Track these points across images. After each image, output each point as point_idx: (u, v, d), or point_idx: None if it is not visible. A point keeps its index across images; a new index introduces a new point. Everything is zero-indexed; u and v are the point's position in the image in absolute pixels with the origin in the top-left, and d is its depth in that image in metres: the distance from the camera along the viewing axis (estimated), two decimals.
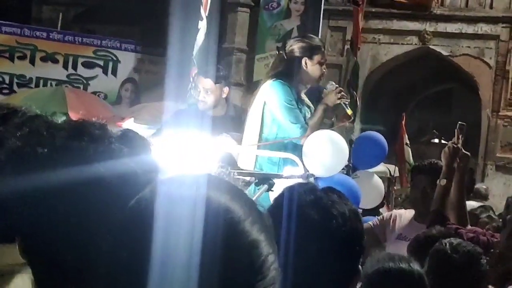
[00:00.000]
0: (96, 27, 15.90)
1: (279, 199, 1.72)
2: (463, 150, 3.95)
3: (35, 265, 1.30)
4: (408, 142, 7.86)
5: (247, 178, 3.72)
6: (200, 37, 5.27)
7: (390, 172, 8.02)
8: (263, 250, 1.00)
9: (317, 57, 4.36)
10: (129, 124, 10.08)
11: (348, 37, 13.93)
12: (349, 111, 4.30)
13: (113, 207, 1.26)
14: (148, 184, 1.34)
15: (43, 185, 1.24)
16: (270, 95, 4.28)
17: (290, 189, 1.74)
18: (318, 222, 1.65)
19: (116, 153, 1.34)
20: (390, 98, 15.08)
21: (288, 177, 3.89)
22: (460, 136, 3.98)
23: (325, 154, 4.06)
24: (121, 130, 1.44)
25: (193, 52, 5.44)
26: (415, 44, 13.70)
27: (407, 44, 13.75)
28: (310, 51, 4.40)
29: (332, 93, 4.35)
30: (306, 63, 4.34)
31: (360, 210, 5.42)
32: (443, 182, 3.91)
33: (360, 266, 1.73)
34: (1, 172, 1.29)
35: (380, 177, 6.99)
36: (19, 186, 1.28)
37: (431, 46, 13.58)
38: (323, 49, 4.52)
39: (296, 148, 4.17)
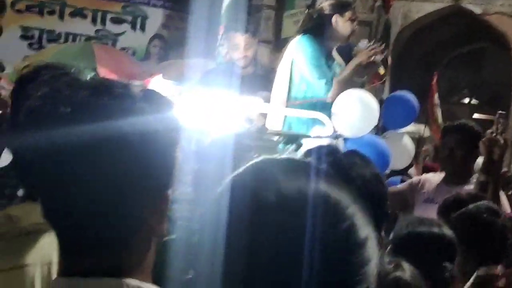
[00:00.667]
0: None
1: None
2: (501, 141, 3.84)
3: (57, 225, 1.28)
4: (438, 102, 7.74)
5: (275, 138, 3.68)
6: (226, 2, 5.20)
7: (420, 132, 7.92)
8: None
9: (348, 14, 4.28)
10: (157, 80, 10.09)
11: None
12: (382, 70, 4.22)
13: (135, 166, 1.24)
14: (171, 143, 1.31)
15: (64, 143, 1.22)
16: (298, 51, 4.22)
17: (310, 151, 1.71)
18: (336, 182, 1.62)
19: (138, 112, 1.31)
20: (421, 57, 14.88)
21: (316, 137, 3.85)
22: (499, 126, 3.86)
23: (354, 115, 4.01)
24: (144, 89, 1.41)
25: (221, 9, 5.36)
26: (447, 2, 13.43)
27: (439, 2, 13.48)
28: (340, 8, 4.32)
29: (365, 51, 4.27)
30: (336, 20, 4.26)
31: (388, 171, 5.38)
32: (482, 177, 3.82)
33: (383, 232, 1.70)
34: (22, 131, 1.27)
35: (410, 138, 6.92)
36: (40, 145, 1.26)
37: (463, 4, 13.31)
38: (353, 6, 4.43)
39: (325, 108, 4.12)
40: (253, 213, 0.91)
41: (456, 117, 15.32)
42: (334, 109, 4.03)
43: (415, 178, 4.92)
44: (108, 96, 1.30)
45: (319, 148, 1.76)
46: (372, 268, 0.95)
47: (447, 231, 2.37)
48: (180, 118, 1.41)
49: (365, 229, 0.97)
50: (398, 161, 4.99)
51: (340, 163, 1.65)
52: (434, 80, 8.09)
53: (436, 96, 7.77)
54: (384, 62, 5.43)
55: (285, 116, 4.18)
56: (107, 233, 1.24)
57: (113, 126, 1.26)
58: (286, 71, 4.26)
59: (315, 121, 4.07)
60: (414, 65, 14.46)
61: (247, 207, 0.92)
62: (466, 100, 15.42)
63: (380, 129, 5.03)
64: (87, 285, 1.22)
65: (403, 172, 6.05)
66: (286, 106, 4.15)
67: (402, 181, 5.21)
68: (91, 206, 1.23)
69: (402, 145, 4.97)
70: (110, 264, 1.23)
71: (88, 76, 1.37)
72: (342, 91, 4.16)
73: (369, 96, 4.13)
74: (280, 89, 4.30)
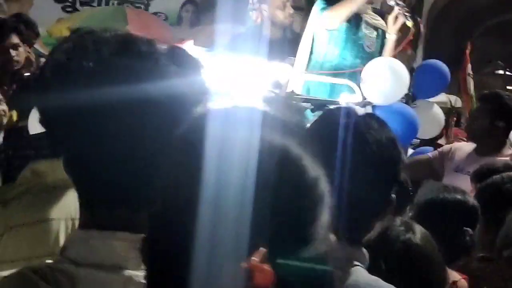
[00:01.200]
0: None
1: (318, 120, 1.71)
2: None
3: (78, 179, 1.31)
4: (471, 72, 7.65)
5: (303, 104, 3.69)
6: None
7: (451, 102, 7.84)
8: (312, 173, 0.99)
9: None
10: (188, 46, 10.11)
11: None
12: (410, 23, 4.14)
13: (160, 126, 1.25)
14: (197, 104, 1.31)
15: (88, 101, 1.24)
16: (314, 11, 4.21)
17: (328, 112, 1.72)
18: (351, 147, 1.63)
19: (163, 71, 1.31)
20: (455, 26, 14.67)
21: (344, 103, 3.85)
22: None
23: (384, 82, 3.98)
24: (170, 46, 1.41)
25: None
26: None
27: None
28: None
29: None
30: None
31: (418, 141, 5.35)
32: None
33: (394, 196, 1.70)
34: (47, 86, 1.29)
35: (441, 107, 6.86)
36: (64, 100, 1.28)
37: None
38: None
39: (353, 75, 4.10)
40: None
41: (489, 88, 15.13)
42: (363, 76, 4.01)
43: (446, 147, 4.89)
44: (132, 53, 1.31)
45: (338, 109, 1.77)
46: (324, 207, 0.98)
47: (469, 198, 2.36)
48: (207, 79, 1.42)
49: (314, 171, 0.98)
50: (427, 130, 4.96)
51: (357, 126, 1.66)
52: (468, 50, 7.96)
53: (469, 66, 7.66)
54: (416, 30, 5.38)
55: (304, 81, 4.17)
56: (126, 190, 1.26)
57: (138, 85, 1.28)
58: (309, 35, 4.24)
59: (335, 87, 4.06)
60: (448, 34, 14.28)
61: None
62: (501, 72, 15.17)
63: (410, 98, 5.00)
64: (101, 236, 1.25)
65: (434, 142, 6.02)
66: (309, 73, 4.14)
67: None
68: (113, 163, 1.25)
69: (432, 114, 4.94)
70: (126, 219, 1.26)
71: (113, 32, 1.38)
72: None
73: (399, 64, 4.10)
74: (302, 54, 4.29)
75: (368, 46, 4.16)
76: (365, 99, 3.94)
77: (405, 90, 4.21)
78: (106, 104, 1.25)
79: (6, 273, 1.30)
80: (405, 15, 4.12)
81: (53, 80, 1.30)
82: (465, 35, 15.31)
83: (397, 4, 4.07)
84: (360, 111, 3.91)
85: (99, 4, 13.31)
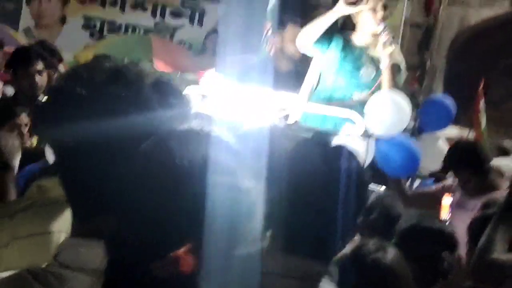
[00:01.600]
0: None
1: (295, 149, 1.88)
2: None
3: (70, 197, 1.49)
4: (483, 108, 7.75)
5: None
6: None
7: (462, 136, 7.94)
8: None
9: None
10: (210, 74, 10.33)
11: None
12: (388, 58, 4.18)
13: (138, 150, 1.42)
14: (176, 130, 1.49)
15: (77, 124, 1.42)
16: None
17: (303, 142, 1.88)
18: (322, 174, 1.79)
19: (146, 100, 1.49)
20: (477, 61, 14.76)
21: (346, 135, 4.00)
22: None
23: (386, 114, 4.12)
24: (155, 76, 1.59)
25: (272, 5, 5.53)
26: (506, 8, 13.34)
27: (497, 7, 13.40)
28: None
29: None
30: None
31: (426, 173, 5.47)
32: None
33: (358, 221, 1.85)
34: (44, 109, 1.48)
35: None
36: (56, 122, 1.46)
37: None
38: None
39: (347, 105, 4.22)
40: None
41: (509, 125, 15.17)
42: (367, 108, 4.16)
43: (449, 181, 5.00)
44: (119, 83, 1.48)
45: (309, 139, 1.92)
46: (256, 210, 1.17)
47: (446, 225, 2.49)
48: (188, 108, 1.59)
49: (247, 182, 1.18)
50: (432, 163, 5.09)
51: (327, 155, 1.82)
52: (481, 86, 8.09)
53: (482, 101, 7.78)
54: (423, 64, 5.52)
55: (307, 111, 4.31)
56: (108, 205, 1.44)
57: (122, 111, 1.45)
58: (314, 69, 4.40)
59: (330, 117, 4.20)
60: (469, 69, 14.36)
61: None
62: None
63: (416, 130, 5.13)
64: (87, 244, 1.43)
65: (441, 175, 6.12)
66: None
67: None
68: (95, 182, 1.43)
69: (436, 148, 5.07)
70: (109, 229, 1.43)
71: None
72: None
73: (401, 98, 4.25)
74: (306, 86, 4.45)
75: (365, 76, 4.27)
76: (367, 130, 4.08)
77: (406, 123, 4.35)
78: (93, 130, 1.43)
79: (6, 274, 1.50)
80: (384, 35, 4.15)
81: (48, 106, 1.49)
82: (487, 70, 15.39)
83: (383, 31, 4.16)
84: (372, 143, 4.08)
85: (125, 32, 13.65)
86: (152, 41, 11.17)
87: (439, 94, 5.38)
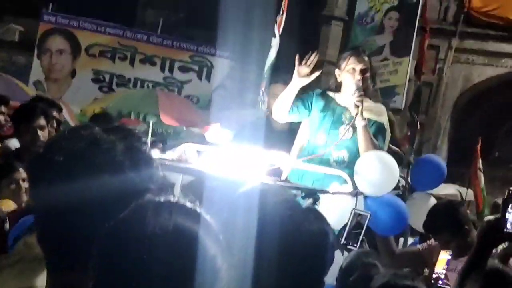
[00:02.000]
0: (195, 32, 16.43)
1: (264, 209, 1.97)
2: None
3: (45, 253, 1.61)
4: (481, 167, 7.86)
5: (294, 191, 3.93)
6: (272, 53, 5.51)
7: (461, 195, 8.01)
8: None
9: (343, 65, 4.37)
10: (215, 129, 10.48)
11: (441, 56, 13.91)
12: (360, 118, 4.23)
13: (108, 212, 1.54)
14: (145, 193, 1.61)
15: (54, 188, 1.54)
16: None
17: (267, 199, 1.97)
18: (286, 235, 1.89)
19: (119, 165, 1.61)
20: (481, 121, 14.86)
21: (335, 193, 4.08)
22: None
23: (375, 174, 4.20)
24: (128, 144, 1.71)
25: (268, 64, 5.68)
26: (510, 67, 13.50)
27: (502, 66, 13.56)
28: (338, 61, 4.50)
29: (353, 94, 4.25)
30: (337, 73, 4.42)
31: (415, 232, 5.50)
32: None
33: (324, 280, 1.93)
34: (31, 172, 1.61)
35: (452, 200, 7.03)
36: (36, 187, 1.59)
37: None
38: (356, 54, 4.39)
39: (323, 161, 4.30)
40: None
41: None
42: (356, 167, 4.24)
43: (433, 240, 4.99)
44: (96, 150, 1.61)
45: (276, 196, 2.02)
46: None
47: (419, 283, 2.55)
48: (157, 173, 1.71)
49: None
50: (422, 222, 5.14)
51: (294, 218, 1.92)
52: (478, 146, 8.21)
53: (479, 161, 7.89)
54: (414, 126, 5.63)
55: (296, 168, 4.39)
56: (78, 262, 1.55)
57: (95, 176, 1.57)
58: (305, 127, 4.50)
59: (313, 174, 4.27)
60: (474, 128, 14.45)
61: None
62: None
63: (407, 190, 5.21)
64: None
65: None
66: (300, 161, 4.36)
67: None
68: (64, 242, 1.55)
69: (428, 207, 5.12)
70: (80, 284, 1.54)
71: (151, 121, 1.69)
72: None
73: (389, 157, 4.34)
74: (295, 144, 4.55)
75: (343, 136, 4.35)
76: (357, 189, 4.16)
77: (395, 182, 4.43)
78: (68, 194, 1.55)
79: None
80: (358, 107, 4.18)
81: (31, 170, 1.62)
82: (492, 129, 15.47)
83: (356, 92, 4.24)
84: (360, 202, 4.16)
85: (134, 86, 13.93)
86: (158, 95, 11.38)
87: (430, 155, 5.47)
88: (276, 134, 5.08)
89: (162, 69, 14.22)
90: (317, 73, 4.26)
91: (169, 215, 1.32)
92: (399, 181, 4.97)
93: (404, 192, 5.13)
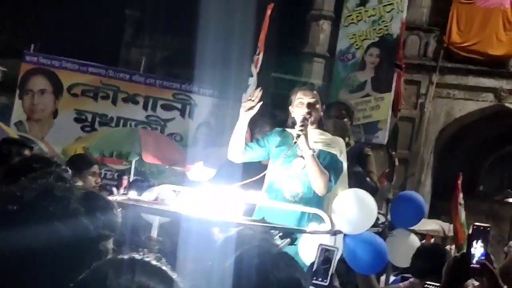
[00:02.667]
0: (178, 70, 16.50)
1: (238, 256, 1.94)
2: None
3: None
4: (462, 202, 7.86)
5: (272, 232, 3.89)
6: (250, 92, 5.53)
7: (444, 231, 8.00)
8: None
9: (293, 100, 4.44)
10: (198, 167, 10.43)
11: (423, 91, 14.00)
12: (306, 147, 4.28)
13: (65, 265, 1.51)
14: (100, 240, 1.59)
15: (7, 238, 1.52)
16: None
17: (244, 250, 1.95)
18: (256, 283, 1.86)
19: (73, 212, 1.59)
20: (464, 155, 14.93)
21: (313, 232, 4.05)
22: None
23: (352, 212, 4.18)
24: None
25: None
26: (491, 101, 13.60)
27: (483, 100, 13.66)
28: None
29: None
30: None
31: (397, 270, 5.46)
32: None
33: None
34: None
35: (434, 236, 7.02)
36: None
37: (506, 104, 13.46)
38: (304, 89, 4.45)
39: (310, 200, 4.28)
40: None
41: (499, 216, 15.23)
42: (334, 205, 4.22)
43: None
44: (49, 199, 1.60)
45: (252, 248, 1.99)
46: None
47: None
48: (115, 219, 1.69)
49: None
50: (404, 259, 5.11)
51: (263, 266, 1.89)
52: (459, 180, 8.22)
53: (460, 196, 7.90)
54: (392, 163, 5.63)
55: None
56: None
57: (49, 224, 1.56)
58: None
59: (293, 213, 4.26)
60: (458, 162, 14.52)
61: None
62: (511, 200, 15.30)
63: (387, 227, 5.17)
64: None
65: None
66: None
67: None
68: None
69: (408, 243, 5.09)
70: None
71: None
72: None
73: (367, 194, 4.32)
74: (265, 183, 4.53)
75: (296, 168, 4.36)
76: (335, 227, 4.12)
77: (373, 220, 4.40)
78: (21, 244, 1.53)
79: None
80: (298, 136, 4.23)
81: None
82: (475, 163, 15.53)
83: (302, 121, 4.29)
84: (339, 240, 4.14)
85: (117, 125, 13.89)
86: (140, 134, 11.34)
87: (409, 191, 5.46)
88: (258, 168, 5.05)
89: (145, 107, 14.22)
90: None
91: (132, 275, 1.29)
92: (378, 218, 4.96)
93: (384, 229, 5.10)
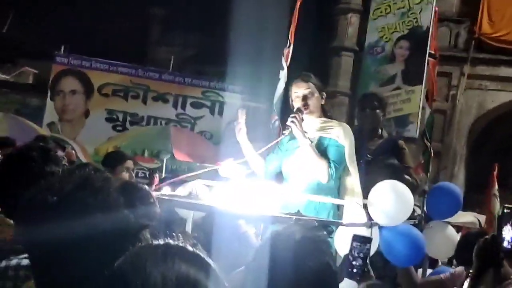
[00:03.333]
0: (206, 68, 16.52)
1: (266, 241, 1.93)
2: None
3: None
4: (497, 193, 7.74)
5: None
6: (281, 86, 5.50)
7: (480, 222, 7.89)
8: None
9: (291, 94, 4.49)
10: (228, 163, 10.45)
11: (454, 82, 13.85)
12: (286, 131, 4.33)
13: (105, 253, 1.50)
14: (140, 229, 1.57)
15: (49, 230, 1.51)
16: None
17: (274, 234, 1.93)
18: (290, 267, 1.84)
19: (113, 203, 1.58)
20: (496, 146, 14.74)
21: (349, 224, 4.01)
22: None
23: (388, 204, 4.13)
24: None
25: (277, 96, 5.68)
26: None
27: None
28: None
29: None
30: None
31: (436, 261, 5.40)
32: None
33: None
34: (22, 214, 1.59)
35: (470, 228, 6.93)
36: (33, 230, 1.56)
37: None
38: (297, 82, 4.47)
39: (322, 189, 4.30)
40: None
41: None
42: (370, 197, 4.18)
43: (458, 268, 4.93)
44: (88, 190, 1.59)
45: (281, 232, 1.98)
46: None
47: None
48: (154, 209, 1.68)
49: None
50: (440, 251, 5.05)
51: (294, 253, 1.87)
52: (495, 172, 8.11)
53: (495, 187, 7.79)
54: (427, 154, 5.57)
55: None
56: None
57: (89, 216, 1.55)
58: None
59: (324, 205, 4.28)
60: (490, 153, 14.34)
61: None
62: None
63: (423, 219, 5.11)
64: None
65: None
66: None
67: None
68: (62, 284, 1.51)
69: (445, 236, 5.03)
70: None
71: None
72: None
73: (403, 186, 4.27)
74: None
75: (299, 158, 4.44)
76: (371, 219, 4.08)
77: (409, 212, 4.35)
78: (62, 234, 1.52)
79: None
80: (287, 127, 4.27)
81: (24, 210, 1.60)
82: (508, 154, 15.33)
83: (297, 113, 4.32)
84: (375, 232, 4.10)
85: (147, 124, 13.96)
86: (171, 132, 11.39)
87: (446, 183, 5.39)
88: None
89: (175, 106, 14.25)
90: (243, 122, 4.48)
91: (171, 263, 1.26)
92: (414, 210, 4.90)
93: (420, 221, 5.04)
